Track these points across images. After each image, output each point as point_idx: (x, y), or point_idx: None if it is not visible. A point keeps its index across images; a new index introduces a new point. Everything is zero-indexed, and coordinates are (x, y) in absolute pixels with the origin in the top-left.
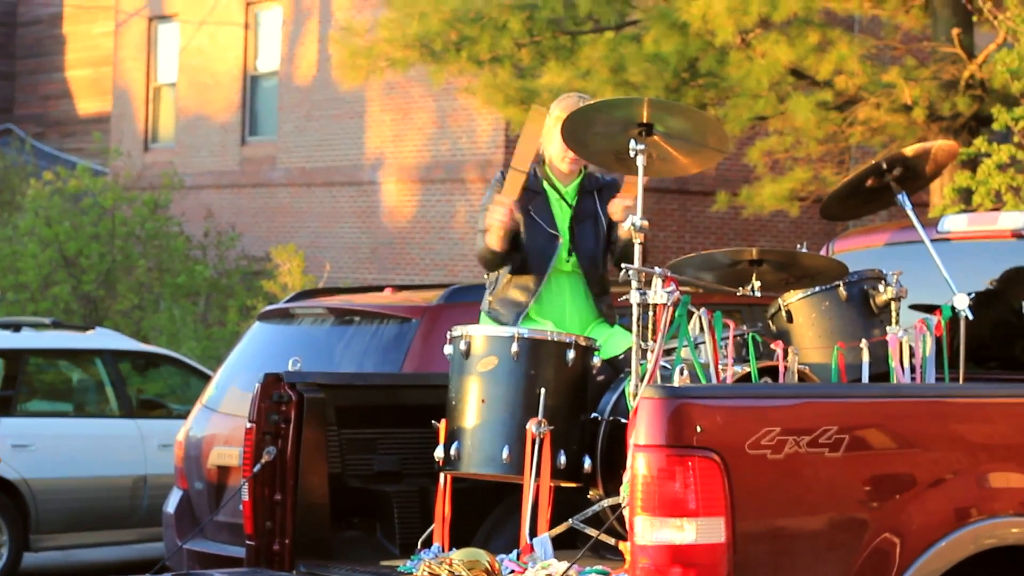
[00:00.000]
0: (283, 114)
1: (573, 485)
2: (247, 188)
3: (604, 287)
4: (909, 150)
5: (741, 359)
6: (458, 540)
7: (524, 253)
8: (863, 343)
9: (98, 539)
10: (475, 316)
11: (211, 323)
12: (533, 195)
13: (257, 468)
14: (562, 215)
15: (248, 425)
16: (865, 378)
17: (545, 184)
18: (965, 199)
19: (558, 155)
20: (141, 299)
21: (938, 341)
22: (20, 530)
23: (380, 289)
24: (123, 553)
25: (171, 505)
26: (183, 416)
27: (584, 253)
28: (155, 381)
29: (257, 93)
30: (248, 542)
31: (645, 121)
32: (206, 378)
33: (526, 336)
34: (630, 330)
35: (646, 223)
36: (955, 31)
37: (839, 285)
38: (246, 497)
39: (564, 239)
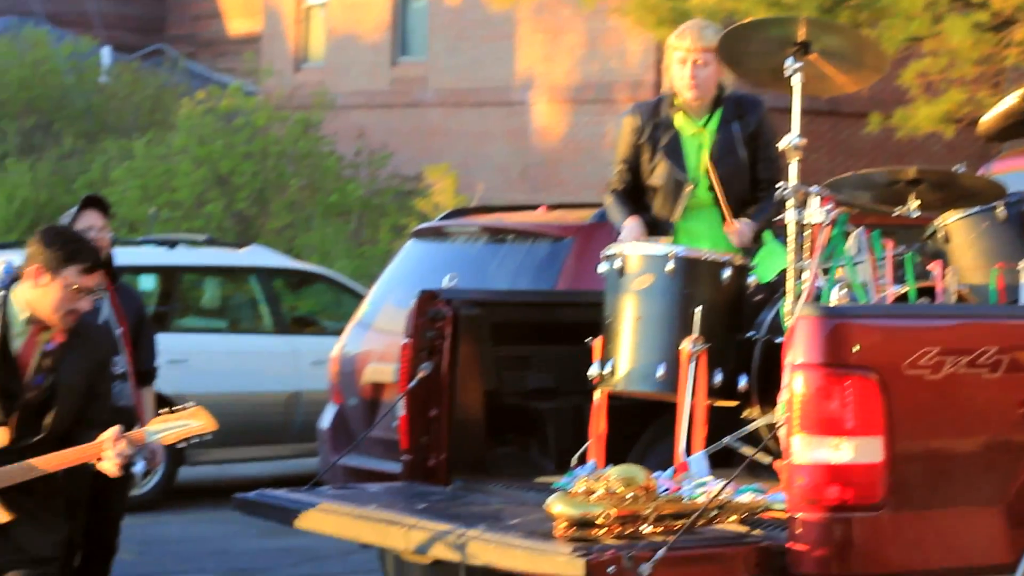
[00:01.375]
0: (433, 35)
1: (728, 404)
2: (398, 108)
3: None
4: None
5: (898, 279)
6: (612, 458)
7: (653, 191)
8: (1021, 265)
9: (252, 454)
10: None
11: (363, 242)
12: (664, 130)
13: (413, 384)
14: (695, 150)
15: (404, 341)
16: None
17: (677, 120)
18: None
19: (682, 86)
20: (293, 218)
21: None
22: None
23: (533, 208)
24: (277, 468)
25: (325, 421)
26: (335, 333)
27: (723, 184)
28: (308, 298)
29: (407, 13)
30: (403, 457)
31: (802, 40)
32: (358, 296)
33: (681, 255)
34: (785, 249)
35: (803, 142)
36: None
37: (998, 206)
38: (402, 413)
39: (695, 176)
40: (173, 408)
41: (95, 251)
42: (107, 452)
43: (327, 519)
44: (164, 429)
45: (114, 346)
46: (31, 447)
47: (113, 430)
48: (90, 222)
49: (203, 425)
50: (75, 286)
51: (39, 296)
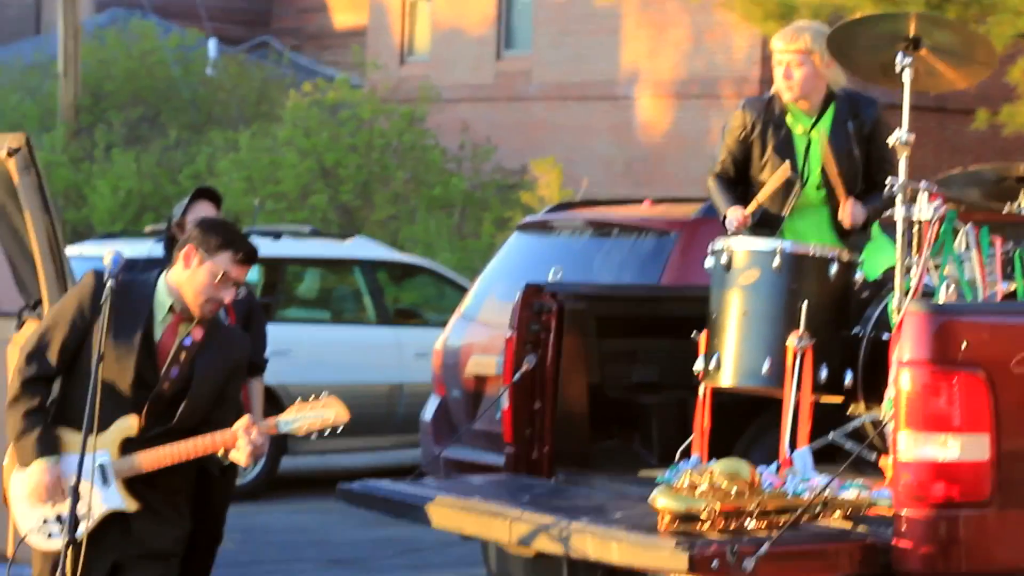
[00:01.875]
0: (538, 29)
1: (833, 400)
2: (502, 102)
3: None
4: None
5: (1007, 276)
6: (716, 452)
7: (761, 188)
8: None
9: (354, 444)
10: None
11: (466, 235)
12: (775, 128)
13: (517, 376)
14: (805, 149)
15: (509, 334)
16: None
17: (788, 118)
18: None
19: (781, 88)
20: (397, 210)
21: None
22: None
23: (638, 202)
24: (379, 459)
25: (428, 412)
26: (439, 325)
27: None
28: (411, 290)
29: (512, 7)
30: (507, 449)
31: (912, 35)
32: (461, 288)
33: (789, 250)
34: (893, 245)
35: (912, 137)
36: None
37: None
38: (506, 405)
39: (805, 175)
40: (306, 398)
41: (251, 245)
42: (240, 442)
43: (431, 510)
44: (297, 419)
45: (248, 350)
46: (158, 438)
47: (245, 419)
48: (202, 213)
49: (337, 415)
50: (224, 273)
51: (187, 278)
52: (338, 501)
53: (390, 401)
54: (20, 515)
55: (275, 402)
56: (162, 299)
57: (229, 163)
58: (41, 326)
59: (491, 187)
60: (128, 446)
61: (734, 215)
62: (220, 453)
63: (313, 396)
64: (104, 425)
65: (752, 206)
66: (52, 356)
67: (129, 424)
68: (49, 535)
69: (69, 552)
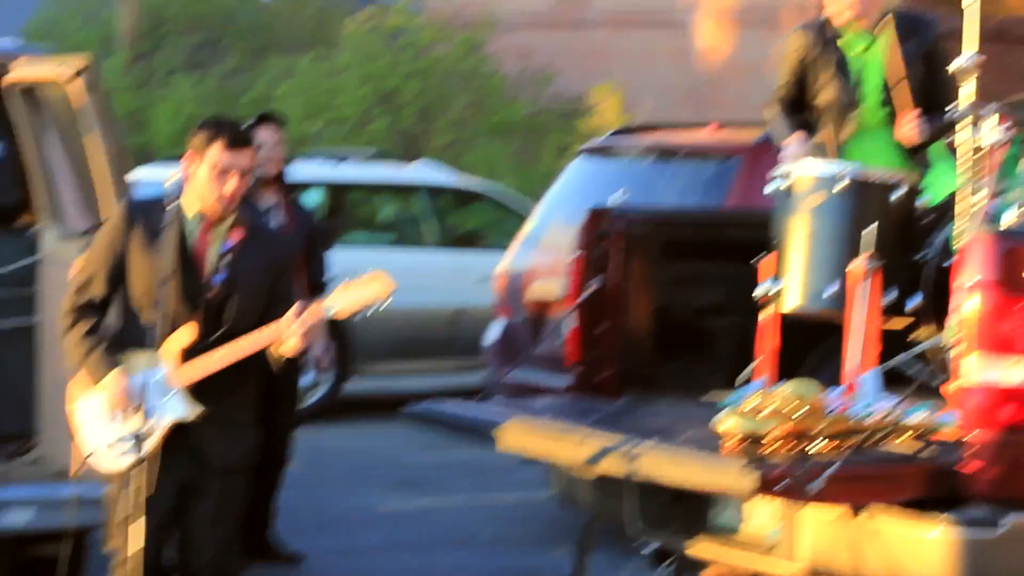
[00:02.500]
0: None
1: (898, 324)
2: (562, 28)
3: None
4: None
5: None
6: (782, 376)
7: (820, 111)
8: None
9: (416, 368)
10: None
11: (526, 161)
12: (831, 50)
13: (582, 299)
14: (862, 69)
15: (574, 256)
16: None
17: (843, 40)
18: None
19: (841, 7)
20: (457, 136)
21: None
22: (343, 357)
23: (701, 126)
24: (440, 383)
25: (491, 336)
26: (500, 249)
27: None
28: (473, 215)
29: None
30: (572, 372)
31: None
32: (522, 214)
33: (852, 175)
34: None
35: (981, 59)
36: None
37: None
38: (571, 327)
39: (863, 96)
40: (351, 278)
41: (238, 129)
42: (290, 328)
43: (497, 432)
44: (343, 300)
45: (292, 250)
46: (213, 346)
47: (292, 309)
48: (263, 138)
49: (381, 290)
50: (221, 163)
51: (194, 183)
52: (403, 424)
53: (452, 325)
54: (88, 439)
55: (338, 323)
56: (188, 211)
57: (289, 88)
58: (84, 257)
59: (551, 114)
60: (185, 358)
61: (796, 144)
62: (274, 348)
63: (359, 275)
64: (159, 342)
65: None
66: (97, 284)
67: (183, 335)
68: (118, 456)
69: (138, 469)
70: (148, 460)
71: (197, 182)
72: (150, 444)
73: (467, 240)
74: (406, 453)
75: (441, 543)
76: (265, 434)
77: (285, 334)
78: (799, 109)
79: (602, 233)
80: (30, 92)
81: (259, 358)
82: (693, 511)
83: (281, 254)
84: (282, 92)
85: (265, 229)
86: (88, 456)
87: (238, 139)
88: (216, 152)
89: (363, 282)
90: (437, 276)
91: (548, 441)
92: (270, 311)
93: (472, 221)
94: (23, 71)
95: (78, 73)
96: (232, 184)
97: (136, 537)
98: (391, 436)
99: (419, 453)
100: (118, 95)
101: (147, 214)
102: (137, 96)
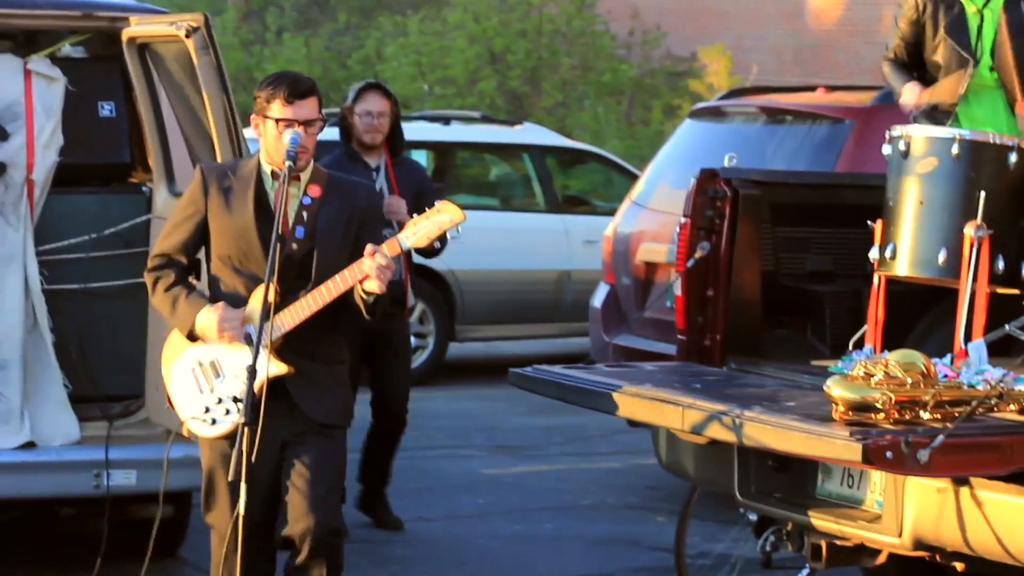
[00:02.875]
0: None
1: (1010, 291)
2: None
3: None
4: None
5: None
6: (889, 343)
7: (936, 70)
8: None
9: (521, 332)
10: (908, 118)
11: (634, 122)
12: (947, 8)
13: (691, 263)
14: (978, 28)
15: (682, 220)
16: None
17: None
18: None
19: None
20: (565, 96)
21: None
22: (447, 320)
23: (812, 89)
24: (545, 347)
25: (597, 300)
26: (607, 213)
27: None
28: (579, 177)
29: None
30: (679, 336)
31: None
32: (630, 175)
33: (967, 138)
34: None
35: None
36: None
37: None
38: (678, 292)
39: (979, 55)
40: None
41: (293, 81)
42: (367, 267)
43: (604, 396)
44: (416, 231)
45: (375, 199)
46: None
47: (367, 248)
48: (368, 107)
49: (452, 217)
50: (279, 120)
51: (263, 143)
52: (506, 388)
53: (558, 288)
54: (181, 405)
55: (444, 286)
56: (265, 169)
57: (398, 48)
58: (164, 228)
59: (660, 74)
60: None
61: (911, 92)
62: (357, 291)
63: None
64: (244, 300)
65: (926, 96)
66: (177, 246)
67: (269, 294)
68: (213, 422)
69: (244, 432)
70: (247, 423)
71: (266, 140)
72: (240, 409)
73: (574, 202)
74: (508, 418)
75: (541, 509)
76: (379, 394)
77: (363, 274)
78: (912, 67)
79: (712, 196)
80: (144, 49)
81: (352, 316)
82: (798, 480)
83: (362, 204)
84: (391, 51)
85: (344, 180)
86: (186, 419)
87: (296, 91)
88: (277, 108)
89: (436, 211)
90: (543, 238)
91: (655, 406)
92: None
93: (579, 183)
94: (141, 28)
95: (190, 32)
96: (304, 138)
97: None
98: (494, 401)
99: (521, 418)
100: (227, 53)
101: (224, 176)
102: (248, 54)
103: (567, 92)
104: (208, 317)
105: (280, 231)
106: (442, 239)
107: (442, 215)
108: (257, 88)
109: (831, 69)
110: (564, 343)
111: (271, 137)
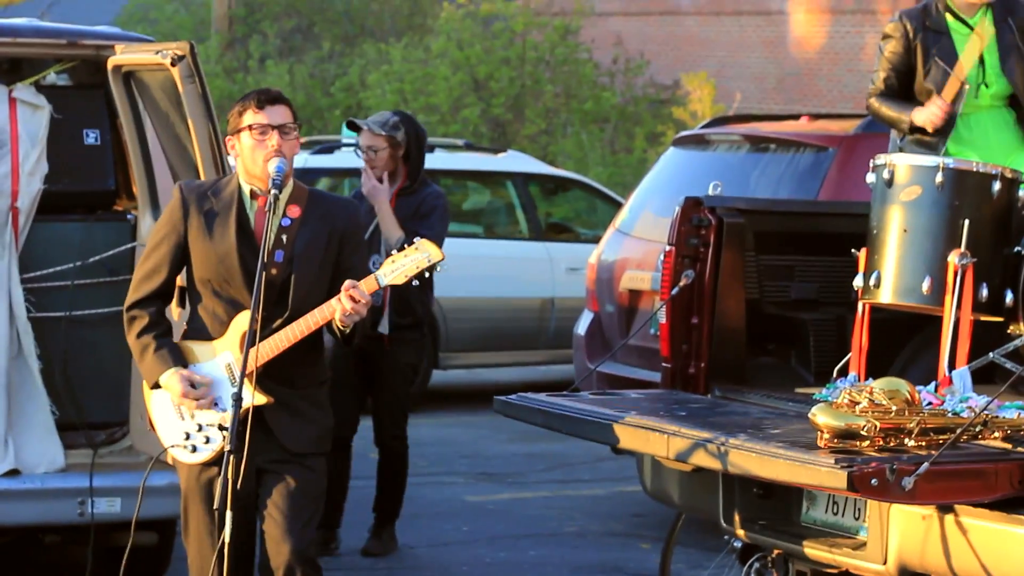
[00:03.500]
0: None
1: (994, 319)
2: (655, 16)
3: None
4: None
5: None
6: (874, 370)
7: (927, 96)
8: None
9: (505, 359)
10: (890, 147)
11: (618, 149)
12: (936, 34)
13: (675, 291)
14: (971, 51)
15: (666, 248)
16: None
17: (949, 20)
18: None
19: None
20: (548, 124)
21: None
22: (431, 347)
23: (795, 118)
24: (529, 374)
25: (581, 327)
26: (591, 240)
27: (1005, 84)
28: (563, 205)
29: None
30: (663, 364)
31: None
32: (614, 203)
33: (951, 166)
34: None
35: None
36: None
37: None
38: (663, 320)
39: (975, 79)
40: (399, 249)
41: (262, 90)
42: (343, 306)
43: (589, 424)
44: (395, 269)
45: (356, 218)
46: (284, 327)
47: (345, 284)
48: (362, 142)
49: (431, 255)
50: (257, 123)
51: (241, 159)
52: (490, 415)
53: (541, 315)
54: (162, 432)
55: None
56: (244, 190)
57: (381, 75)
58: (144, 251)
59: (643, 102)
60: (254, 342)
61: (933, 107)
62: (334, 322)
63: (406, 244)
64: (225, 327)
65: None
66: (157, 276)
67: (247, 319)
68: (193, 449)
69: (229, 460)
70: (228, 451)
71: (244, 156)
72: (222, 439)
73: (557, 230)
74: (492, 445)
75: (526, 536)
76: (374, 420)
77: (339, 310)
78: (903, 99)
79: (696, 224)
80: (130, 77)
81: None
82: (783, 507)
83: (341, 223)
84: (374, 79)
85: (325, 198)
86: (167, 448)
87: (266, 98)
88: (249, 117)
89: (413, 250)
90: (527, 266)
91: (640, 434)
92: (337, 285)
93: (562, 211)
94: (127, 56)
95: (176, 60)
96: (280, 142)
97: (225, 527)
98: (478, 428)
99: (505, 445)
100: (212, 81)
101: (203, 197)
102: (231, 82)
103: (550, 119)
104: (172, 385)
105: (264, 259)
106: (419, 277)
107: (420, 254)
108: (229, 113)
109: (814, 97)
110: (547, 370)
111: (247, 149)
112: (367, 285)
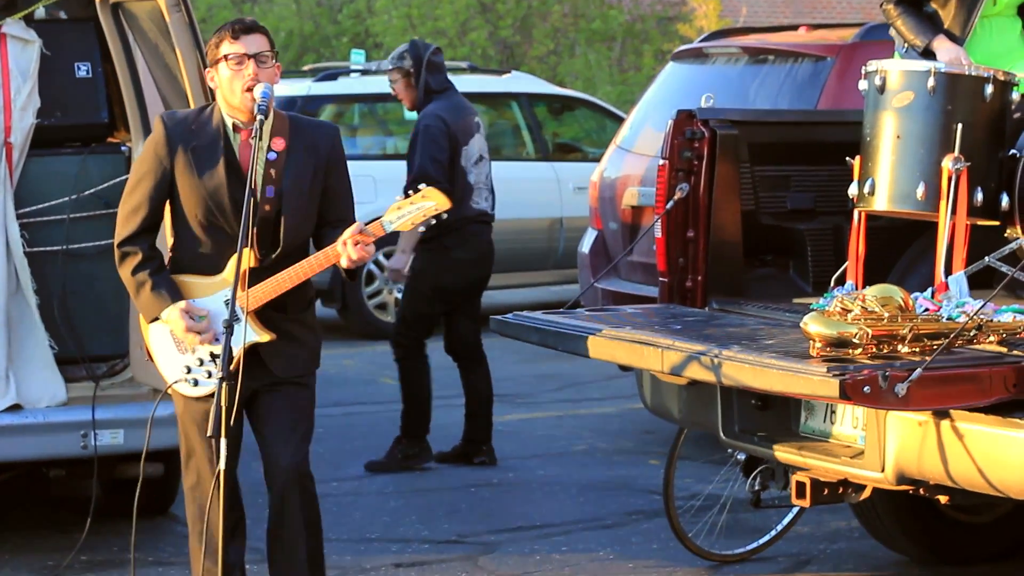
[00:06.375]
0: None
1: (989, 223)
2: None
3: None
4: None
5: None
6: (871, 278)
7: (942, 4)
8: None
9: (515, 280)
10: (892, 54)
11: (626, 68)
12: None
13: (670, 205)
14: None
15: (660, 162)
16: None
17: None
18: None
19: None
20: (556, 44)
21: None
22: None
23: (794, 28)
24: (539, 295)
25: (585, 245)
26: (598, 159)
27: None
28: (570, 125)
29: None
30: (660, 279)
31: None
32: (621, 121)
33: (943, 70)
34: None
35: None
36: None
37: None
38: (659, 234)
39: None
40: (405, 195)
41: (237, 20)
42: (347, 248)
43: (582, 340)
44: (400, 216)
45: (338, 141)
46: (278, 262)
47: (350, 229)
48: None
49: (437, 204)
50: (233, 52)
51: (220, 90)
52: (499, 337)
53: (550, 236)
54: (163, 367)
55: None
56: (227, 123)
57: (388, 1)
58: (127, 184)
59: (651, 19)
60: (251, 277)
61: (950, 52)
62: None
63: (411, 191)
64: (221, 264)
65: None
66: (144, 209)
67: (244, 257)
68: (195, 383)
69: (223, 388)
70: (228, 384)
71: (223, 88)
72: (219, 372)
73: (564, 150)
74: (502, 366)
75: (534, 456)
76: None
77: (345, 257)
78: (919, 3)
79: (689, 137)
80: (119, 9)
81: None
82: (782, 418)
83: (326, 149)
84: (381, 5)
85: (306, 124)
86: (171, 384)
87: (241, 27)
88: (226, 47)
89: (419, 198)
90: (534, 187)
91: (634, 348)
92: (332, 210)
93: (569, 130)
94: None
95: None
96: (257, 71)
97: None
98: (488, 349)
99: (515, 366)
100: (219, 11)
101: (188, 132)
102: (239, 11)
103: (558, 40)
104: (175, 320)
105: (252, 189)
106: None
107: (427, 202)
108: (207, 45)
109: (823, 11)
110: (558, 290)
111: (225, 80)
112: (373, 229)
